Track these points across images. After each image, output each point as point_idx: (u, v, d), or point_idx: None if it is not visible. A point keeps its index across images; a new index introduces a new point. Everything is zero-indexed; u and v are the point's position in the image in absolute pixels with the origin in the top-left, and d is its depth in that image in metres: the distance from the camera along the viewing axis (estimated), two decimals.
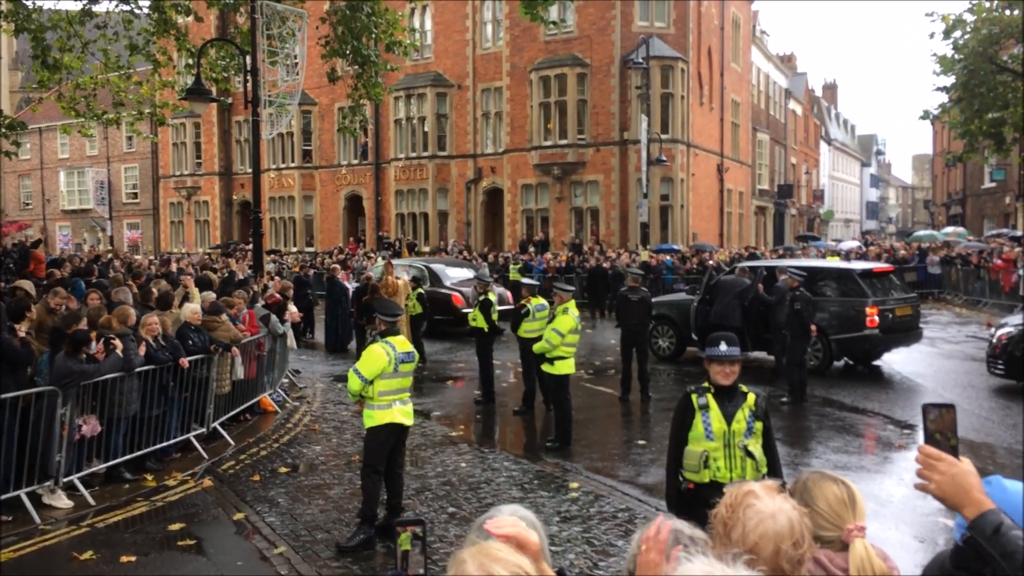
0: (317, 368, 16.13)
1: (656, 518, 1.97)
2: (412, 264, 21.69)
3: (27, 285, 10.22)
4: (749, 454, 4.67)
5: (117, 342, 7.96)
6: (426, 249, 35.00)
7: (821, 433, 10.38)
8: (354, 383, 6.66)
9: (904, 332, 14.58)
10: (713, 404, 4.69)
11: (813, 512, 2.29)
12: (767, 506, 1.99)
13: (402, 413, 6.83)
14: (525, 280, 13.09)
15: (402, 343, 6.87)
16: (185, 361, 9.20)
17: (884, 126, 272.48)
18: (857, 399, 12.35)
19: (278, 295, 13.69)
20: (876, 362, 14.98)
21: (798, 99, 56.96)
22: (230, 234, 43.67)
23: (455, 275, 20.51)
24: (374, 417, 6.74)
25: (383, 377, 6.65)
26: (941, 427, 1.99)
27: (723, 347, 4.66)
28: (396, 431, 6.88)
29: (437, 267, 20.85)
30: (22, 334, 7.69)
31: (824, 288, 14.45)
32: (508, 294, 20.83)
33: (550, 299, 11.47)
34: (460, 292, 19.42)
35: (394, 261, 24.18)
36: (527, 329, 11.49)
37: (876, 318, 13.78)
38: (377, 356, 6.65)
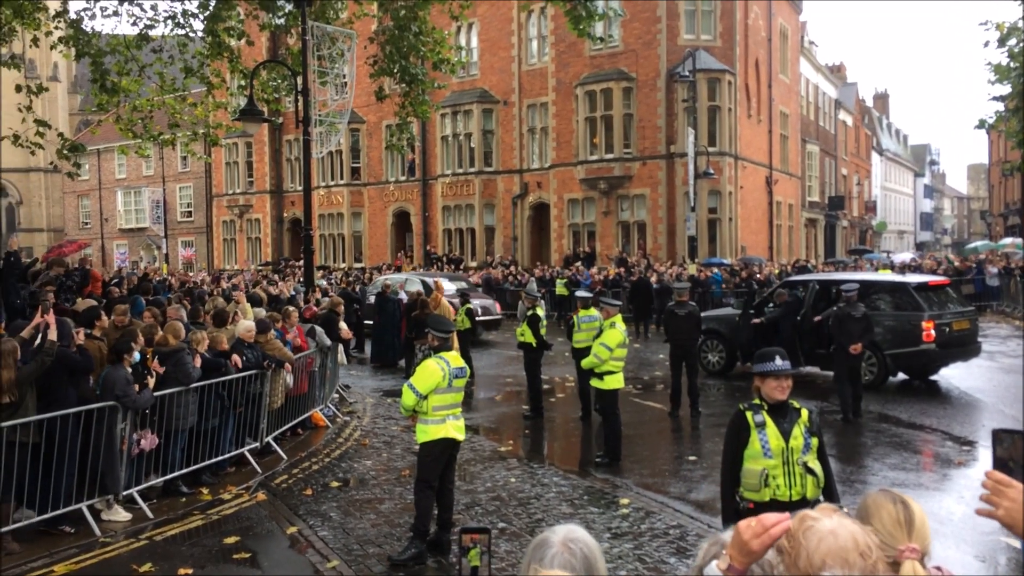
0: (367, 383, 16.28)
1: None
2: (409, 278, 23.42)
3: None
4: (810, 471, 4.58)
5: (151, 381, 8.11)
6: (473, 264, 35.19)
7: (877, 450, 10.17)
8: (408, 398, 6.71)
9: (962, 346, 14.24)
10: (769, 421, 4.61)
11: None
12: (825, 525, 1.97)
13: (455, 428, 6.87)
14: (579, 293, 13.26)
15: (455, 358, 6.92)
16: (238, 360, 9.40)
17: (938, 135, 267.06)
18: (914, 415, 12.08)
19: (315, 308, 13.87)
20: (933, 377, 14.65)
21: (848, 109, 56.16)
22: (281, 251, 44.36)
23: (449, 287, 21.65)
24: (428, 432, 6.78)
25: (437, 392, 6.69)
26: (1013, 455, 1.95)
27: (778, 361, 4.60)
28: (449, 446, 6.92)
29: (431, 280, 21.99)
30: (80, 340, 7.88)
31: (878, 302, 14.19)
32: (496, 304, 23.78)
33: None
34: (453, 304, 20.03)
35: (394, 276, 25.26)
36: (577, 340, 11.86)
37: (932, 332, 13.48)
38: (432, 371, 6.69)
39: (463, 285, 23.27)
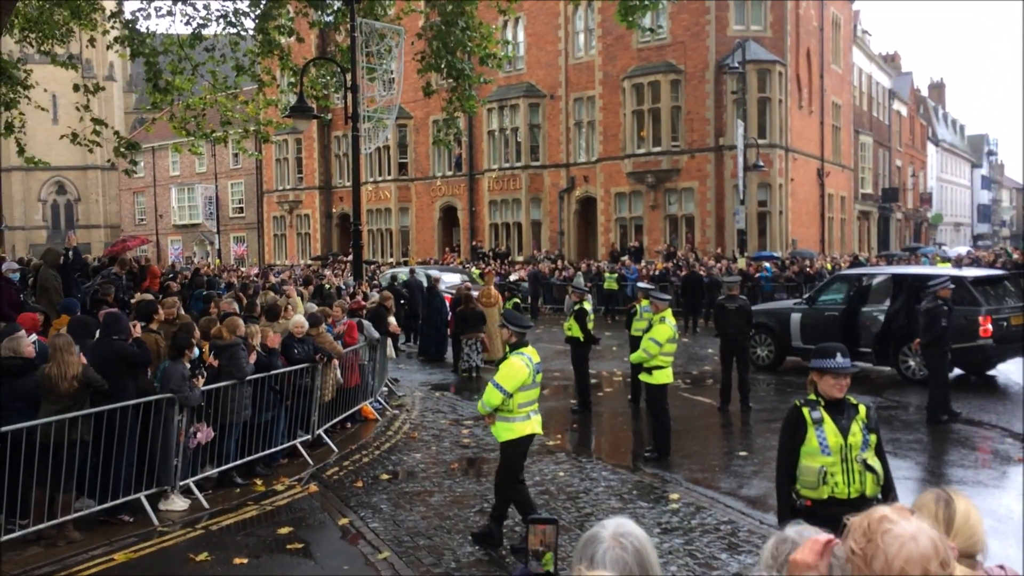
0: (415, 377, 16.39)
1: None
2: (414, 270, 23.81)
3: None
4: (869, 468, 4.50)
5: (199, 381, 8.21)
6: (519, 258, 35.20)
7: (934, 446, 9.97)
8: (494, 397, 6.61)
9: (1021, 342, 13.87)
10: (827, 418, 4.53)
11: None
12: (905, 529, 1.87)
13: (536, 423, 6.88)
14: (641, 284, 13.40)
15: (534, 353, 6.88)
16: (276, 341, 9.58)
17: (996, 126, 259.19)
18: (972, 411, 11.81)
19: (363, 302, 14.00)
20: (991, 372, 14.30)
21: (903, 99, 54.94)
22: (330, 246, 44.84)
23: (448, 280, 22.21)
24: (514, 430, 6.72)
25: (522, 389, 6.65)
26: None
27: (839, 359, 4.52)
28: (530, 441, 6.96)
29: (433, 272, 22.56)
30: (137, 333, 8.06)
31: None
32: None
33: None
34: (452, 295, 20.16)
35: (399, 269, 25.53)
36: (636, 328, 12.05)
37: (989, 327, 13.15)
38: (518, 369, 6.62)
39: (466, 278, 23.97)
